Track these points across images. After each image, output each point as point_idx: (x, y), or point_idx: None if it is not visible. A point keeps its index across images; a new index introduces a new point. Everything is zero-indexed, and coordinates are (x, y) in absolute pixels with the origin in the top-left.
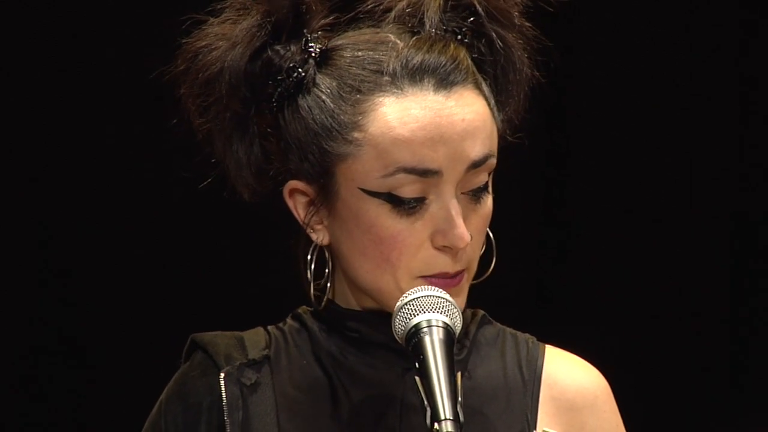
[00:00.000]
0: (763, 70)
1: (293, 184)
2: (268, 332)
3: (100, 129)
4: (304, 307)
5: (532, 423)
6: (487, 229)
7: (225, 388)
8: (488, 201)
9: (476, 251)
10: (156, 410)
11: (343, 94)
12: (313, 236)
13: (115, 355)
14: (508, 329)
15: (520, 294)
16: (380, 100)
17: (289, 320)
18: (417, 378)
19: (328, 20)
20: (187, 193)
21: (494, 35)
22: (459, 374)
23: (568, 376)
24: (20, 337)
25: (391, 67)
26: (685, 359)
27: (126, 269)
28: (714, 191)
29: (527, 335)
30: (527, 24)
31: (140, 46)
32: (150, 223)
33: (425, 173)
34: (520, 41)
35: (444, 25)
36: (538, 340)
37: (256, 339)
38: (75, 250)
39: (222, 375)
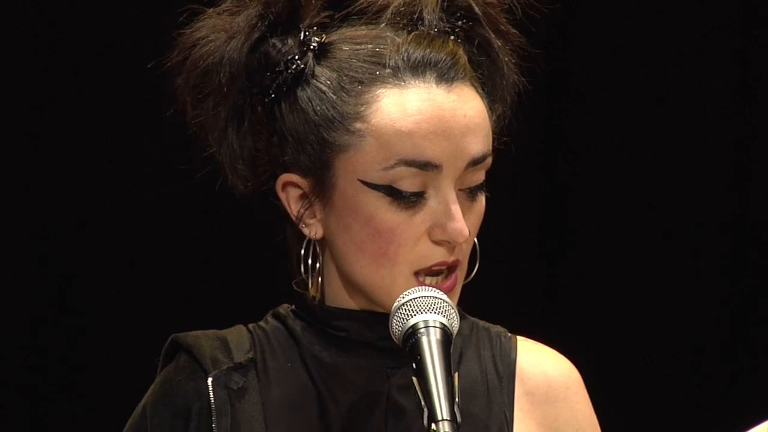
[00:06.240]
0: (763, 67)
1: (286, 177)
2: (251, 332)
3: (96, 127)
4: (285, 305)
5: (510, 420)
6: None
7: (213, 393)
8: (483, 200)
9: (470, 248)
10: (140, 413)
11: (344, 86)
12: (306, 231)
13: (96, 353)
14: (481, 322)
15: (520, 290)
16: (382, 91)
17: (270, 319)
18: (414, 379)
19: (321, 17)
20: (170, 191)
21: (485, 39)
22: (456, 375)
23: (540, 370)
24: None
25: (392, 60)
26: (684, 359)
27: (102, 267)
28: (714, 191)
29: (499, 328)
30: (513, 31)
31: (138, 38)
32: (132, 221)
33: (425, 166)
34: (507, 47)
35: (439, 25)
36: (510, 332)
37: (239, 340)
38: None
39: (210, 380)
